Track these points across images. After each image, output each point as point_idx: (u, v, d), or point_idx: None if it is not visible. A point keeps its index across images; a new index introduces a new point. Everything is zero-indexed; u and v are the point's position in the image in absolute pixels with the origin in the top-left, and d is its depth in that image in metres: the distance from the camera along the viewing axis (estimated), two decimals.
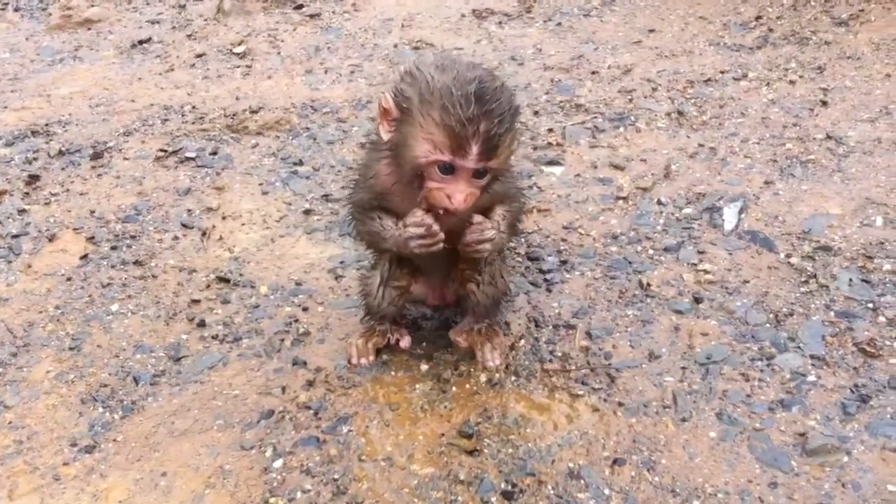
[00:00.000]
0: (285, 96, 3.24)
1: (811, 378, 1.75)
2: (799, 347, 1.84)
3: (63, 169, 2.77)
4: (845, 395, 1.70)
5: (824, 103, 2.86)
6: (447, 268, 1.85)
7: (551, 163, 2.65)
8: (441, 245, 1.60)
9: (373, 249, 1.86)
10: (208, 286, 2.18)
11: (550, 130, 2.84)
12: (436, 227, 1.58)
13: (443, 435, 1.68)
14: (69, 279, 2.23)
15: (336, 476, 1.60)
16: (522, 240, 2.25)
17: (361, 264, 2.15)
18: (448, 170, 1.52)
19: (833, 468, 1.55)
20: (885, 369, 1.76)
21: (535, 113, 2.97)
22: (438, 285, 1.92)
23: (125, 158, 2.83)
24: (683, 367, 1.81)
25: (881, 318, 1.89)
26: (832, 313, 1.92)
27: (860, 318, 1.90)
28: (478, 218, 1.62)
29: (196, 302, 2.12)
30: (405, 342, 1.91)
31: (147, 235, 2.40)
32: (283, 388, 1.82)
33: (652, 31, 3.63)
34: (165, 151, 2.84)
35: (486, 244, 1.63)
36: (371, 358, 1.88)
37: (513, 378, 1.81)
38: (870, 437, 1.60)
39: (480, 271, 1.80)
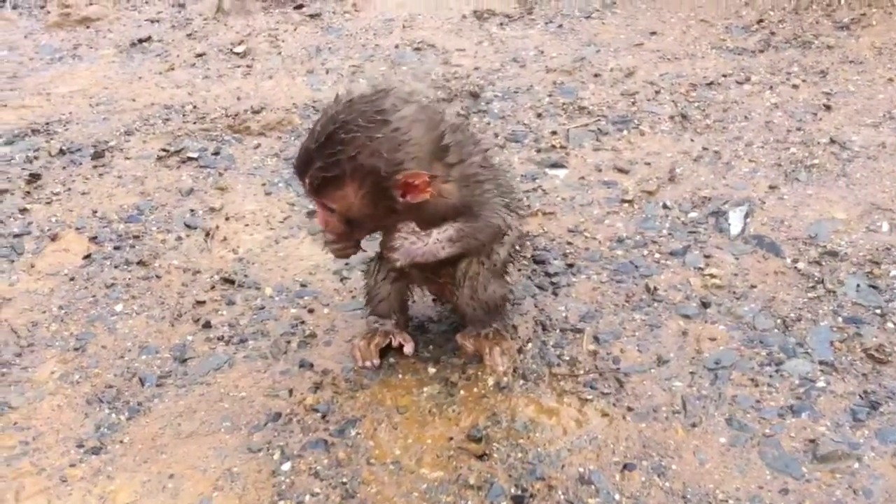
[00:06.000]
0: (287, 96, 3.22)
1: (820, 384, 1.75)
2: (807, 353, 1.83)
3: (64, 168, 2.76)
4: (855, 401, 1.70)
5: (828, 107, 2.86)
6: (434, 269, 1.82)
7: (555, 165, 2.64)
8: (351, 253, 1.73)
9: None
10: (213, 287, 2.16)
11: (554, 133, 2.83)
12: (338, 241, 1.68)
13: (451, 439, 1.67)
14: (72, 279, 2.21)
15: (345, 479, 1.59)
16: (528, 242, 2.25)
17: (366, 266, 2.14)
18: None
19: (844, 474, 1.55)
20: (895, 376, 1.76)
21: (538, 115, 2.96)
22: (434, 279, 1.89)
23: (127, 158, 2.81)
24: (692, 372, 1.80)
25: (889, 325, 1.89)
26: (840, 319, 1.92)
27: (868, 323, 1.90)
28: (404, 226, 1.63)
29: (201, 303, 2.11)
30: (408, 348, 1.87)
31: (150, 236, 2.38)
32: (290, 391, 1.81)
33: (654, 33, 3.62)
34: (167, 151, 2.83)
35: (393, 252, 1.63)
36: (376, 361, 1.86)
37: (521, 382, 1.81)
38: (880, 444, 1.60)
39: (460, 284, 1.78)
